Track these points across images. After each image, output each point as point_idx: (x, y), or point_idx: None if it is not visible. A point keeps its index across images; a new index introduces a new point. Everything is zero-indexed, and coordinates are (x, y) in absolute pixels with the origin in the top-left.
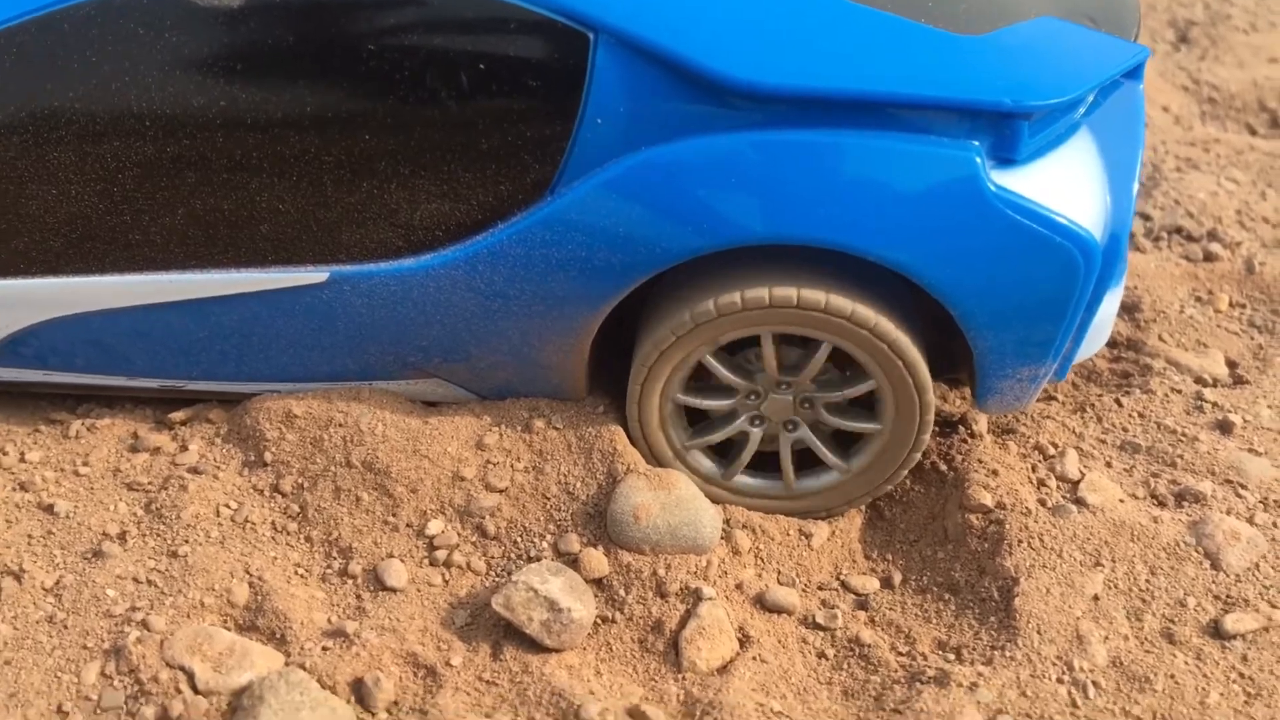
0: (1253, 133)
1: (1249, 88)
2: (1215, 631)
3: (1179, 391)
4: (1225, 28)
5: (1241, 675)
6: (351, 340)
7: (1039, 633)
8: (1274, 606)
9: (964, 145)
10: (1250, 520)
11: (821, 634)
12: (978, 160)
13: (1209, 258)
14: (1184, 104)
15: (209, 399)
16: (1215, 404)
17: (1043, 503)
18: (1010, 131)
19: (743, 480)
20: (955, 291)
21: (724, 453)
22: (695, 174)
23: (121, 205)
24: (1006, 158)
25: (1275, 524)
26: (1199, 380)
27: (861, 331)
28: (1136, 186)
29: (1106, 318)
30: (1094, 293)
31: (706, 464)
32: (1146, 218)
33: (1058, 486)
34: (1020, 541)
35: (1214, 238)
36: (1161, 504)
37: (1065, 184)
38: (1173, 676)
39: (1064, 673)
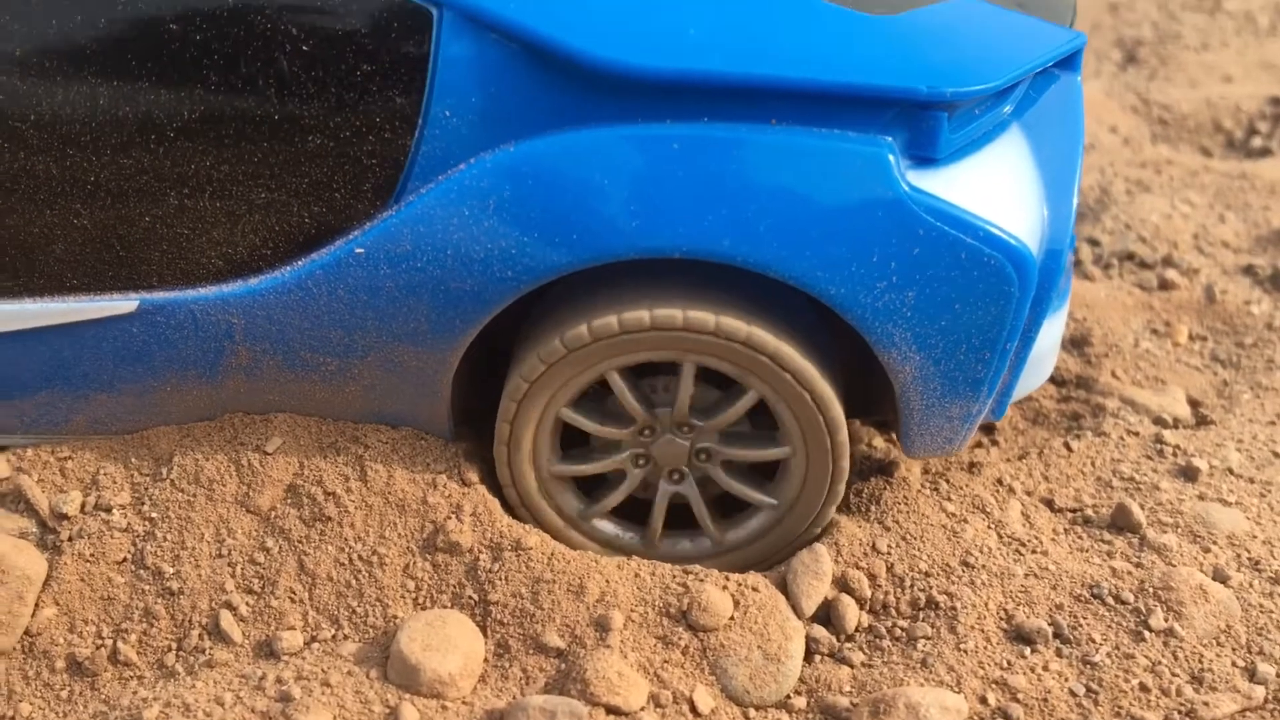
0: (1207, 154)
1: (1202, 107)
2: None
3: (1136, 434)
4: (1175, 46)
5: None
6: (169, 381)
7: None
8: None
9: (874, 140)
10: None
11: None
12: (890, 158)
13: (1165, 286)
14: (1133, 125)
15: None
16: (1177, 447)
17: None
18: (928, 125)
19: (671, 547)
20: (866, 311)
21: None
22: (555, 176)
23: None
24: (924, 156)
25: (1251, 585)
26: (1158, 421)
27: (760, 358)
28: (1076, 196)
29: (1048, 347)
30: (1031, 316)
31: (610, 529)
32: (1095, 243)
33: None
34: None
35: (1170, 264)
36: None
37: (994, 189)
38: None
39: None
